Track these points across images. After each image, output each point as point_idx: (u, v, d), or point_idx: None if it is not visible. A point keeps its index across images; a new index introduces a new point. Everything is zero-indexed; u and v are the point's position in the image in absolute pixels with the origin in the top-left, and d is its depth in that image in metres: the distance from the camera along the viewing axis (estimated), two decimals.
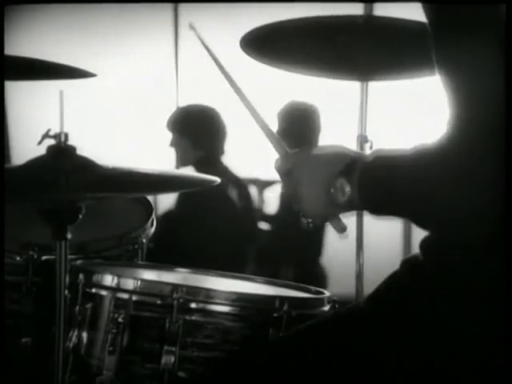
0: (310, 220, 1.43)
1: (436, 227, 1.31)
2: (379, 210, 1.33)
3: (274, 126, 3.74)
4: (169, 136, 3.76)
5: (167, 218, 3.49)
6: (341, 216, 1.42)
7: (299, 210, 1.41)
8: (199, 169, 3.54)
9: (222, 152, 3.58)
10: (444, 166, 1.21)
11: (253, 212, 3.70)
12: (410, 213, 1.29)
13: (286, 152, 1.48)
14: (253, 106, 1.56)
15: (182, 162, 3.62)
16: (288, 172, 1.41)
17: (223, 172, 3.47)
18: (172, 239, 3.29)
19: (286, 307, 1.61)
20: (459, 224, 1.24)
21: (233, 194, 3.50)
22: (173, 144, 3.63)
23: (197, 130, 3.56)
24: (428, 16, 1.29)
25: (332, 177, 1.33)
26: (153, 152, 4.88)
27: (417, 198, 1.24)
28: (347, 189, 1.31)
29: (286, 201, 3.69)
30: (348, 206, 1.34)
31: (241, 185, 3.63)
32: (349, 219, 1.43)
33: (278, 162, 1.47)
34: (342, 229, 1.42)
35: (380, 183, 1.29)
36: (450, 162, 1.21)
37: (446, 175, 1.21)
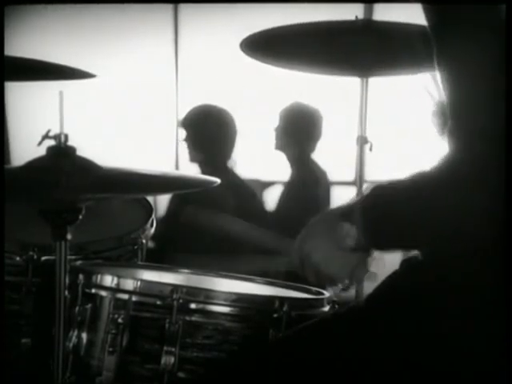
0: (343, 285, 1.43)
1: (441, 248, 1.31)
2: (385, 243, 1.32)
3: (275, 123, 3.73)
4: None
5: (167, 218, 3.49)
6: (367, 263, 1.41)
7: (332, 283, 1.41)
8: (202, 169, 3.54)
9: (227, 156, 3.58)
10: (445, 184, 1.21)
11: (257, 214, 3.70)
12: (417, 240, 1.29)
13: (289, 248, 1.48)
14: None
15: (190, 159, 3.62)
16: (302, 258, 1.41)
17: (227, 174, 3.47)
18: (172, 239, 3.29)
19: (285, 308, 1.61)
20: (462, 237, 1.24)
21: (235, 195, 3.50)
22: (184, 140, 3.64)
23: (201, 131, 3.56)
24: (428, 17, 1.29)
25: (334, 226, 1.33)
26: (153, 152, 4.88)
27: (420, 221, 1.24)
28: (352, 231, 1.31)
29: (288, 201, 3.69)
30: (359, 249, 1.34)
31: (245, 187, 3.63)
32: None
33: (292, 261, 1.47)
34: (372, 276, 1.42)
35: (382, 215, 1.29)
36: (453, 177, 1.21)
37: (449, 193, 1.21)
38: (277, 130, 3.76)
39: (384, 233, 1.30)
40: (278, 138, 3.77)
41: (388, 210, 1.28)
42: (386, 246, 1.33)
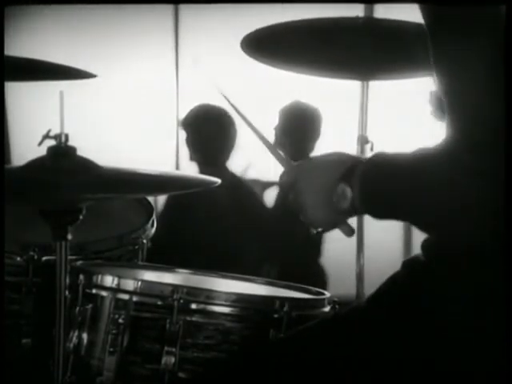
0: (318, 229, 1.43)
1: (436, 229, 1.31)
2: (380, 212, 1.33)
3: (274, 123, 3.73)
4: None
5: (167, 218, 3.49)
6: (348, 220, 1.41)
7: (306, 220, 1.41)
8: (202, 169, 3.54)
9: (227, 156, 3.58)
10: (445, 167, 1.21)
11: (256, 214, 3.70)
12: (411, 214, 1.29)
13: (288, 165, 1.48)
14: (253, 124, 1.58)
15: (190, 158, 3.62)
16: (292, 184, 1.41)
17: (227, 175, 3.47)
18: (172, 240, 3.29)
19: (286, 308, 1.61)
20: (460, 225, 1.24)
21: (235, 196, 3.50)
22: (184, 141, 3.64)
23: (201, 131, 3.56)
24: (426, 18, 1.29)
25: (333, 183, 1.33)
26: (153, 152, 4.88)
27: (417, 199, 1.24)
28: (348, 193, 1.31)
29: (288, 205, 3.68)
30: (352, 211, 1.34)
31: (245, 188, 3.63)
32: (350, 220, 1.43)
33: (281, 176, 1.47)
34: (350, 232, 1.42)
35: (380, 184, 1.29)
36: (452, 163, 1.21)
37: (448, 176, 1.21)
38: (276, 129, 3.76)
39: (380, 203, 1.30)
40: (276, 137, 3.77)
41: (387, 182, 1.27)
42: (380, 215, 1.32)
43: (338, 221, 1.39)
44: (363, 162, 1.33)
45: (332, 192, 1.32)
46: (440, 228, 1.28)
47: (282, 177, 1.47)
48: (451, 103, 1.24)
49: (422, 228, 1.30)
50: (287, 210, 3.30)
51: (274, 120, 3.76)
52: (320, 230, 1.43)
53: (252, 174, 3.95)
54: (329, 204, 1.34)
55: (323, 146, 3.86)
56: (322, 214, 1.37)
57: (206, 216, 3.41)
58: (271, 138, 3.74)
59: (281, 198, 3.79)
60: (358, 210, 1.34)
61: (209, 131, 3.54)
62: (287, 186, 1.43)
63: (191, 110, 3.61)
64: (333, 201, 1.33)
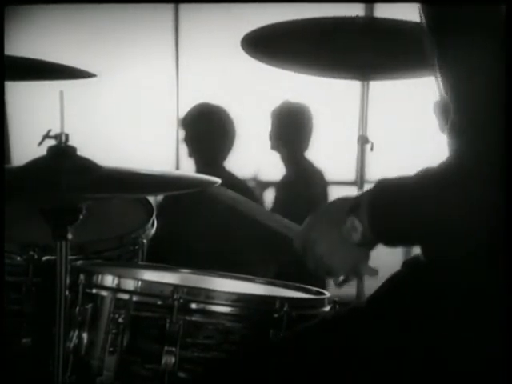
0: (341, 278, 1.42)
1: (449, 249, 1.31)
2: (392, 238, 1.32)
3: (268, 125, 3.73)
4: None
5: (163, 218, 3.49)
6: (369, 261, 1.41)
7: (330, 274, 1.41)
8: (201, 169, 3.54)
9: (226, 155, 3.58)
10: (450, 186, 1.21)
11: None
12: (422, 235, 1.29)
13: (296, 230, 1.48)
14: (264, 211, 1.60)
15: (189, 155, 3.62)
16: (305, 244, 1.41)
17: (225, 175, 3.46)
18: (171, 240, 3.29)
19: (286, 308, 1.61)
20: (470, 243, 1.24)
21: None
22: (183, 140, 3.63)
23: (200, 130, 3.56)
24: (426, 18, 1.29)
25: (341, 219, 1.33)
26: (153, 152, 4.88)
27: (427, 219, 1.24)
28: (358, 224, 1.31)
29: (287, 202, 3.68)
30: (364, 244, 1.34)
31: (243, 188, 3.63)
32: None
33: (294, 242, 1.47)
34: (372, 271, 1.41)
35: (388, 210, 1.29)
36: (456, 181, 1.21)
37: (452, 195, 1.21)
38: (270, 130, 3.76)
39: (390, 229, 1.30)
40: (270, 138, 3.77)
41: (394, 207, 1.28)
42: (392, 242, 1.33)
43: (356, 261, 1.39)
44: (367, 192, 1.33)
45: (342, 228, 1.32)
46: (453, 248, 1.28)
47: (295, 243, 1.46)
48: (455, 101, 1.24)
49: (433, 246, 1.30)
50: (286, 210, 3.30)
51: (268, 119, 3.76)
52: (342, 277, 1.42)
53: (250, 173, 3.95)
54: (342, 242, 1.34)
55: (324, 146, 3.86)
56: (338, 254, 1.37)
57: (204, 216, 3.41)
58: (267, 143, 3.74)
59: (280, 197, 3.78)
60: (371, 241, 1.34)
61: (207, 130, 3.53)
62: (302, 248, 1.42)
63: (190, 109, 3.60)
64: (344, 237, 1.33)
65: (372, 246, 1.37)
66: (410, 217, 1.26)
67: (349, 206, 1.33)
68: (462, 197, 1.20)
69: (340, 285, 1.43)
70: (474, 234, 1.24)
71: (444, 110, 1.30)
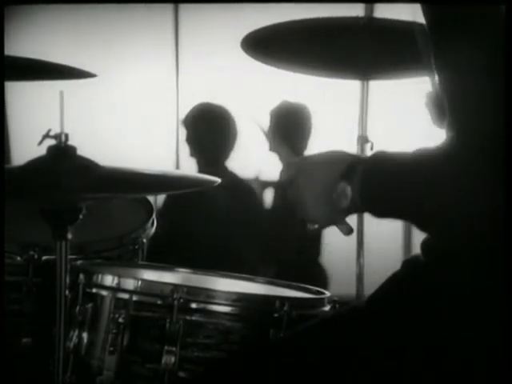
0: (315, 225, 1.42)
1: (435, 228, 1.31)
2: (381, 211, 1.32)
3: (266, 125, 3.74)
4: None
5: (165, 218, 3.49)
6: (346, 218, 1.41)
7: (304, 216, 1.41)
8: (202, 168, 3.54)
9: (227, 155, 3.58)
10: (445, 167, 1.21)
11: (255, 213, 3.70)
12: (411, 213, 1.29)
13: (289, 160, 1.48)
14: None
15: (191, 154, 3.62)
16: (291, 180, 1.41)
17: (226, 174, 3.47)
18: (171, 239, 3.29)
19: (286, 307, 1.61)
20: (459, 225, 1.24)
21: (234, 195, 3.50)
22: (185, 140, 3.64)
23: (202, 130, 3.56)
24: (427, 18, 1.29)
25: (333, 181, 1.32)
26: (153, 152, 4.88)
27: (417, 198, 1.24)
28: (349, 192, 1.31)
29: (287, 203, 3.68)
30: (351, 210, 1.34)
31: (244, 187, 3.63)
32: (349, 219, 1.42)
33: (282, 171, 1.47)
34: (348, 231, 1.42)
35: (381, 183, 1.29)
36: (452, 162, 1.21)
37: (448, 176, 1.21)
38: (268, 130, 3.76)
39: (380, 201, 1.29)
40: (269, 140, 3.77)
41: (388, 181, 1.27)
42: (380, 213, 1.32)
43: (336, 219, 1.39)
44: (363, 160, 1.33)
45: (332, 190, 1.32)
46: (439, 227, 1.28)
47: (282, 172, 1.47)
48: (451, 102, 1.24)
49: (421, 227, 1.30)
50: (286, 210, 3.30)
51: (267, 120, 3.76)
52: (316, 226, 1.43)
53: (251, 173, 3.95)
54: (328, 202, 1.34)
55: (323, 146, 3.85)
56: (321, 211, 1.37)
57: (205, 215, 3.41)
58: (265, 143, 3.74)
59: (280, 197, 3.79)
60: (358, 209, 1.34)
61: (209, 130, 3.54)
62: (287, 181, 1.43)
63: (192, 109, 3.61)
64: (332, 199, 1.33)
65: (357, 212, 1.37)
66: (401, 192, 1.26)
67: (343, 170, 1.32)
68: (453, 189, 1.20)
69: (311, 230, 1.43)
70: (467, 221, 1.23)
71: (436, 103, 1.30)
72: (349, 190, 1.31)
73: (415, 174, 1.24)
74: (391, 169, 1.28)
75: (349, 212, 1.36)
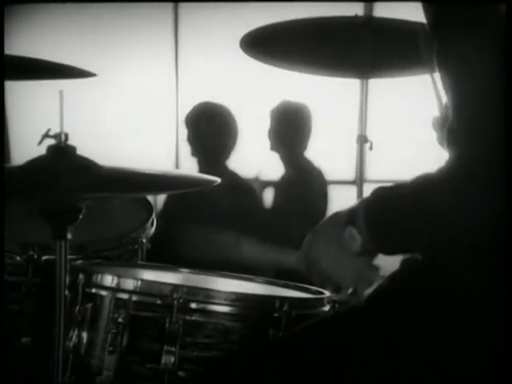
0: (351, 289, 1.42)
1: (446, 252, 1.31)
2: (391, 245, 1.32)
3: (267, 124, 3.74)
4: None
5: (166, 218, 3.49)
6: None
7: (339, 287, 1.41)
8: (202, 168, 3.54)
9: (228, 155, 3.58)
10: (445, 190, 1.21)
11: (256, 213, 3.70)
12: (419, 241, 1.29)
13: (295, 253, 1.49)
14: None
15: (191, 154, 3.62)
16: (308, 264, 1.41)
17: (227, 174, 3.46)
18: (171, 239, 3.29)
19: (285, 307, 1.61)
20: (463, 242, 1.24)
21: (234, 195, 3.49)
22: (186, 139, 3.63)
23: (203, 130, 3.55)
24: (427, 16, 1.29)
25: (340, 231, 1.32)
26: (153, 152, 4.88)
27: (424, 225, 1.24)
28: (356, 234, 1.31)
29: (287, 201, 3.68)
30: (365, 253, 1.34)
31: (245, 187, 3.63)
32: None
33: (297, 264, 1.47)
34: (376, 274, 1.41)
35: (385, 216, 1.28)
36: (452, 186, 1.21)
37: (448, 198, 1.21)
38: (268, 130, 3.76)
39: (389, 237, 1.29)
40: (269, 138, 3.77)
41: (392, 214, 1.27)
42: (392, 249, 1.33)
43: (359, 269, 1.38)
44: (364, 201, 1.33)
45: (341, 240, 1.32)
46: (453, 251, 1.28)
47: (297, 265, 1.46)
48: (453, 103, 1.24)
49: (428, 252, 1.30)
50: (287, 209, 3.29)
51: (268, 119, 3.76)
52: (352, 289, 1.42)
53: (251, 173, 3.95)
54: (343, 253, 1.33)
55: (323, 146, 3.85)
56: (340, 266, 1.37)
57: (205, 215, 3.41)
58: (267, 142, 3.74)
59: (280, 197, 3.79)
60: (371, 250, 1.33)
61: (210, 130, 3.53)
62: (306, 268, 1.42)
63: (193, 108, 3.60)
64: (344, 247, 1.32)
65: (373, 254, 1.37)
66: (408, 224, 1.26)
67: (346, 216, 1.33)
68: (461, 201, 1.20)
69: (352, 296, 1.43)
70: (474, 238, 1.24)
71: (443, 125, 1.30)
72: (355, 231, 1.31)
73: (419, 201, 1.24)
74: (393, 201, 1.28)
75: (365, 256, 1.35)
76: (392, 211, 1.28)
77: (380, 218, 1.29)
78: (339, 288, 1.42)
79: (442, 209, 1.22)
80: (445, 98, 1.30)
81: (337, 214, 1.38)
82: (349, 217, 1.32)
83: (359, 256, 1.34)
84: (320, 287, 1.41)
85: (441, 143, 1.47)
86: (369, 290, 1.42)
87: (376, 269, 1.41)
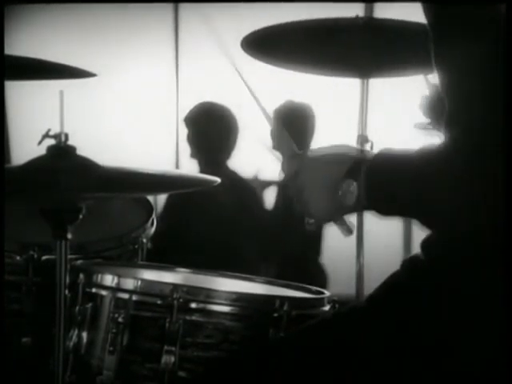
0: (313, 221, 1.42)
1: (438, 226, 1.30)
2: (385, 209, 1.32)
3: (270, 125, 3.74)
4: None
5: (167, 218, 3.49)
6: (346, 217, 1.41)
7: (304, 211, 1.40)
8: (202, 168, 3.54)
9: (228, 155, 3.58)
10: (447, 165, 1.21)
11: (257, 213, 3.70)
12: (415, 210, 1.29)
13: (292, 153, 1.47)
14: (264, 107, 1.57)
15: (191, 155, 3.62)
16: (294, 174, 1.41)
17: (227, 174, 3.46)
18: (172, 239, 3.29)
19: (286, 307, 1.61)
20: (461, 223, 1.24)
21: (235, 195, 3.50)
22: (186, 138, 3.63)
23: (204, 129, 3.56)
24: (428, 17, 1.29)
25: (339, 178, 1.32)
26: (153, 152, 4.88)
27: (421, 195, 1.24)
28: (354, 190, 1.31)
29: (288, 201, 3.68)
30: (356, 207, 1.34)
31: (245, 186, 3.63)
32: (349, 219, 1.42)
33: (284, 163, 1.46)
34: (348, 231, 1.41)
35: (385, 182, 1.28)
36: (453, 160, 1.21)
37: (449, 174, 1.21)
38: (271, 130, 3.77)
39: (386, 198, 1.29)
40: (272, 138, 3.78)
41: (393, 178, 1.27)
42: (386, 211, 1.32)
43: (336, 216, 1.39)
44: (369, 158, 1.33)
45: (337, 186, 1.32)
46: (441, 224, 1.28)
47: (283, 164, 1.46)
48: (452, 100, 1.24)
49: (424, 223, 1.30)
50: (287, 209, 3.29)
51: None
52: (314, 222, 1.41)
53: (251, 172, 3.95)
54: (332, 198, 1.33)
55: (323, 145, 3.85)
56: (322, 206, 1.36)
57: (206, 215, 3.41)
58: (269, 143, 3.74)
59: (281, 196, 3.79)
60: (363, 207, 1.33)
61: (210, 130, 3.54)
62: (290, 174, 1.42)
63: (193, 108, 3.61)
64: (337, 196, 1.32)
65: (362, 210, 1.37)
66: (406, 190, 1.26)
67: (349, 166, 1.32)
68: (455, 186, 1.20)
69: (309, 227, 1.42)
70: (471, 228, 1.23)
71: (431, 107, 1.30)
72: (355, 187, 1.30)
73: (418, 171, 1.24)
74: (396, 166, 1.28)
75: (353, 210, 1.36)
76: (393, 174, 1.27)
77: (380, 179, 1.29)
78: (309, 216, 1.40)
79: (439, 187, 1.22)
80: (444, 98, 1.30)
81: (342, 153, 1.37)
82: (351, 169, 1.32)
83: (348, 209, 1.34)
84: (292, 200, 1.40)
85: (429, 124, 1.47)
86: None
87: (351, 230, 1.40)
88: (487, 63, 1.20)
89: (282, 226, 3.75)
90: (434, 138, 1.38)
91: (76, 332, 1.68)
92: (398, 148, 1.30)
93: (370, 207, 1.33)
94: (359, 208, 1.34)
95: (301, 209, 1.40)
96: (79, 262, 1.85)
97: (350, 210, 1.36)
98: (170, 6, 5.06)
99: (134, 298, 1.64)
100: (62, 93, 1.68)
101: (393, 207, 1.31)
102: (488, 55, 1.20)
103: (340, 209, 1.34)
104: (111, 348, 1.63)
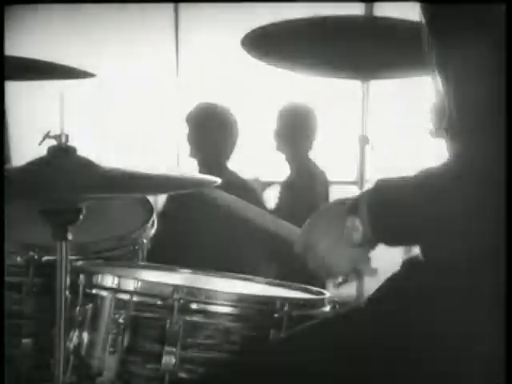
0: (342, 278, 1.42)
1: (441, 247, 1.31)
2: (392, 237, 1.32)
3: (273, 125, 3.75)
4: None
5: (167, 218, 3.49)
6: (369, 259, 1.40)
7: (329, 273, 1.40)
8: (202, 168, 3.54)
9: (228, 156, 3.58)
10: (447, 186, 1.21)
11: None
12: (420, 236, 1.29)
13: (296, 232, 1.48)
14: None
15: (190, 155, 3.62)
16: (306, 246, 1.41)
17: (227, 174, 3.46)
18: (172, 239, 3.28)
19: (286, 308, 1.61)
20: (464, 241, 1.24)
21: (234, 195, 3.49)
22: (187, 138, 3.63)
23: (204, 130, 3.56)
24: (426, 17, 1.29)
25: (341, 220, 1.32)
26: (153, 152, 4.88)
27: (424, 221, 1.24)
28: (359, 225, 1.31)
29: (288, 203, 3.69)
30: (363, 244, 1.34)
31: (245, 187, 3.63)
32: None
33: (295, 246, 1.46)
34: (372, 272, 1.41)
35: (387, 211, 1.28)
36: (455, 183, 1.21)
37: (452, 197, 1.21)
38: (274, 131, 3.78)
39: (390, 228, 1.29)
40: (275, 139, 3.79)
41: (394, 206, 1.28)
42: (392, 241, 1.33)
43: (357, 261, 1.38)
44: (367, 192, 1.33)
45: (342, 229, 1.32)
46: (452, 248, 1.28)
47: (295, 244, 1.46)
48: (453, 101, 1.24)
49: (432, 249, 1.30)
50: (289, 210, 3.28)
51: (274, 120, 3.77)
52: (342, 279, 1.42)
53: (251, 173, 3.95)
54: (342, 242, 1.33)
55: (325, 146, 3.86)
56: (338, 255, 1.36)
57: (206, 215, 3.40)
58: (272, 142, 3.75)
59: (283, 197, 3.79)
60: (372, 241, 1.33)
61: (210, 130, 3.54)
62: (303, 249, 1.42)
63: (194, 108, 3.61)
64: (344, 237, 1.32)
65: (372, 245, 1.37)
66: (410, 217, 1.26)
67: (348, 206, 1.33)
68: (461, 199, 1.20)
69: (339, 285, 1.43)
70: (474, 235, 1.24)
71: (440, 113, 1.30)
72: (358, 222, 1.30)
73: (420, 196, 1.24)
74: (396, 194, 1.28)
75: (364, 247, 1.35)
76: (395, 203, 1.28)
77: (382, 208, 1.29)
78: (333, 275, 1.41)
79: (443, 203, 1.22)
80: (445, 99, 1.30)
81: (338, 204, 1.38)
82: (351, 206, 1.32)
83: (358, 247, 1.34)
84: (314, 271, 1.40)
85: (434, 132, 1.47)
86: (361, 280, 1.42)
87: (370, 262, 1.41)
88: (487, 62, 1.19)
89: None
90: (438, 142, 1.38)
91: (76, 333, 1.68)
92: (394, 177, 1.30)
93: (377, 240, 1.33)
94: (367, 244, 1.34)
95: (326, 275, 1.40)
96: (79, 262, 1.85)
97: (363, 249, 1.36)
98: (170, 6, 5.06)
99: (135, 298, 1.64)
100: (62, 93, 1.68)
101: (400, 236, 1.31)
102: (488, 55, 1.19)
103: (354, 251, 1.34)
104: (112, 349, 1.63)
